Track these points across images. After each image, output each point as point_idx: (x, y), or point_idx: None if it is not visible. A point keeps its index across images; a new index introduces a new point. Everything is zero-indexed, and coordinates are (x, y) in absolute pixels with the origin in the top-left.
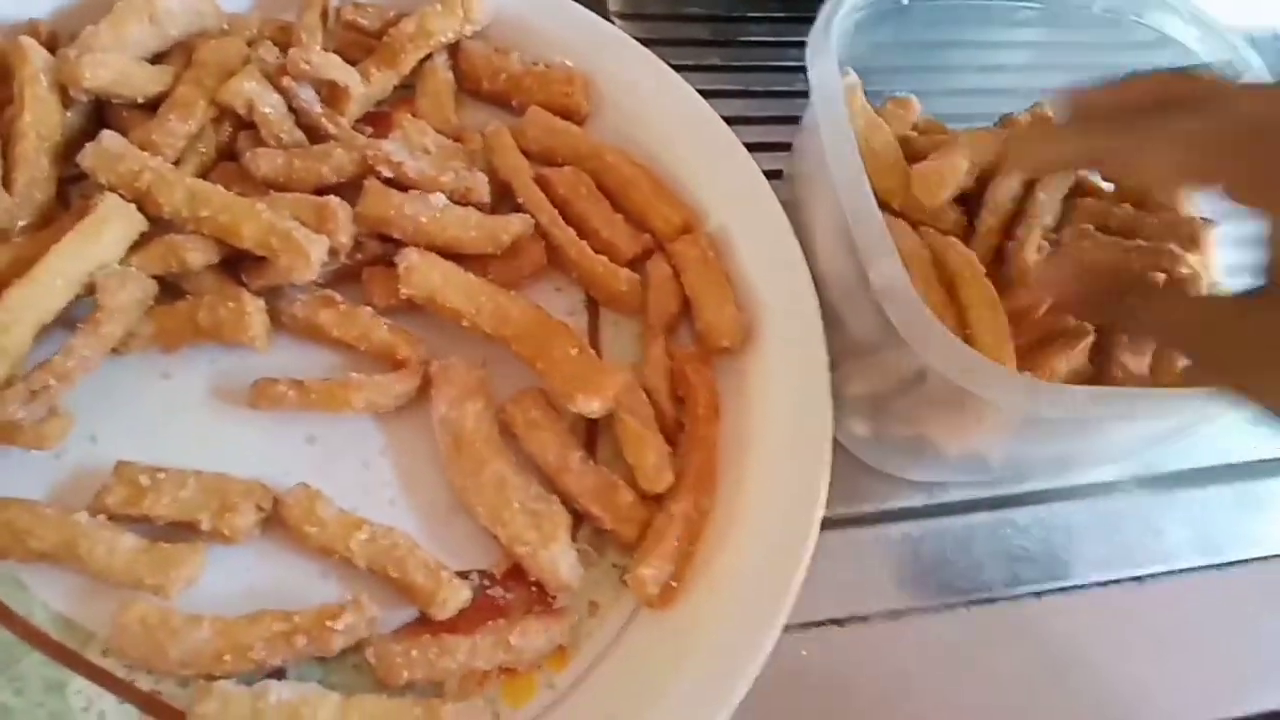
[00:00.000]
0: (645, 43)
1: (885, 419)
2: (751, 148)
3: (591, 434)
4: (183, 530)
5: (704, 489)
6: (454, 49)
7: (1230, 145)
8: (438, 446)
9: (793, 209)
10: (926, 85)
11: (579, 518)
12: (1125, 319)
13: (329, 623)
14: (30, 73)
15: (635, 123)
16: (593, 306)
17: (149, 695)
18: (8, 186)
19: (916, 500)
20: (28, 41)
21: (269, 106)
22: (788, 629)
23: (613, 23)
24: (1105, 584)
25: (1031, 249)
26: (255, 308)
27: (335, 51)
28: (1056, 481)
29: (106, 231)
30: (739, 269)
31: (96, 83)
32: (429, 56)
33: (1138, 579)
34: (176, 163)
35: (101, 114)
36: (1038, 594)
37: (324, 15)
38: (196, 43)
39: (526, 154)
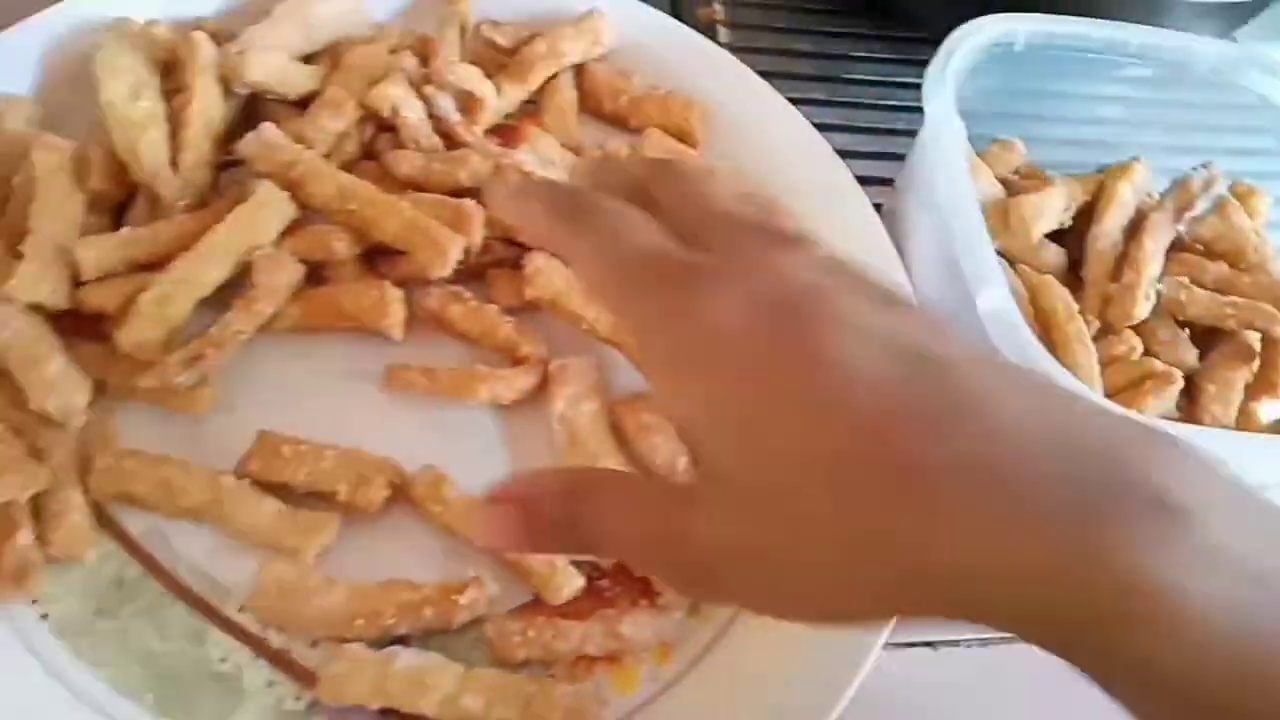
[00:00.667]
0: None
1: None
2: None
3: None
4: (315, 499)
5: None
6: (579, 69)
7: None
8: (553, 441)
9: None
10: (1029, 132)
11: None
12: None
13: (454, 597)
14: (201, 64)
15: (747, 150)
16: None
17: (280, 653)
18: (175, 166)
19: None
20: (200, 36)
21: (410, 112)
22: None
23: None
24: None
25: (1140, 296)
26: (395, 297)
27: (469, 62)
28: None
29: (262, 216)
30: None
31: (257, 78)
32: (555, 75)
33: None
34: (325, 157)
35: (253, 108)
36: None
37: (462, 31)
38: (344, 48)
39: None
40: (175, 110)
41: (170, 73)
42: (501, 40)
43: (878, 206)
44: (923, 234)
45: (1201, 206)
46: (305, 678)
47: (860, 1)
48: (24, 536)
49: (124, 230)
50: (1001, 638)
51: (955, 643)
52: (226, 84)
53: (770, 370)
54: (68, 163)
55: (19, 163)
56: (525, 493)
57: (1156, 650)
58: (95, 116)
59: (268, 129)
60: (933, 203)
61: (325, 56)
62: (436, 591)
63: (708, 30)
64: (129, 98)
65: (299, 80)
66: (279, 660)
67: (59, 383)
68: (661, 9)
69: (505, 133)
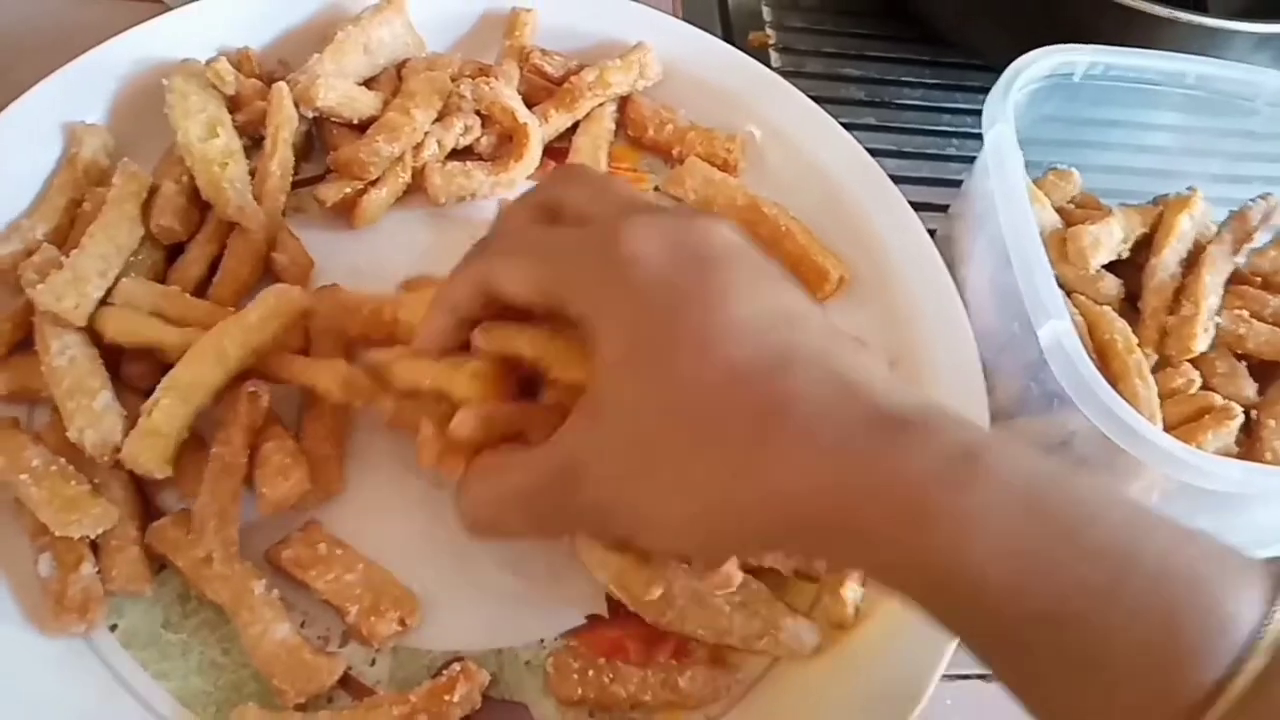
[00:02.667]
0: None
1: None
2: None
3: None
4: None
5: None
6: (625, 99)
7: None
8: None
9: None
10: (1085, 160)
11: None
12: None
13: (445, 697)
14: (283, 118)
15: (799, 173)
16: None
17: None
18: (258, 200)
19: None
20: (282, 88)
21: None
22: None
23: None
24: None
25: (1198, 329)
26: None
27: (520, 91)
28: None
29: (272, 323)
30: (900, 320)
31: (326, 103)
32: (601, 104)
33: None
34: (375, 182)
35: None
36: None
37: (521, 60)
38: (405, 74)
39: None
40: (249, 137)
41: (239, 105)
42: (551, 69)
43: (931, 232)
44: (978, 260)
45: (1261, 238)
46: (361, 692)
47: (911, 28)
48: (87, 569)
49: (173, 287)
50: None
51: None
52: (296, 107)
53: (671, 298)
54: (142, 192)
55: (89, 190)
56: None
57: (948, 555)
58: (162, 149)
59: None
60: (990, 230)
61: (386, 82)
62: (426, 696)
63: (758, 55)
64: (205, 136)
65: (363, 104)
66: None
67: (102, 418)
68: (713, 34)
69: (552, 155)
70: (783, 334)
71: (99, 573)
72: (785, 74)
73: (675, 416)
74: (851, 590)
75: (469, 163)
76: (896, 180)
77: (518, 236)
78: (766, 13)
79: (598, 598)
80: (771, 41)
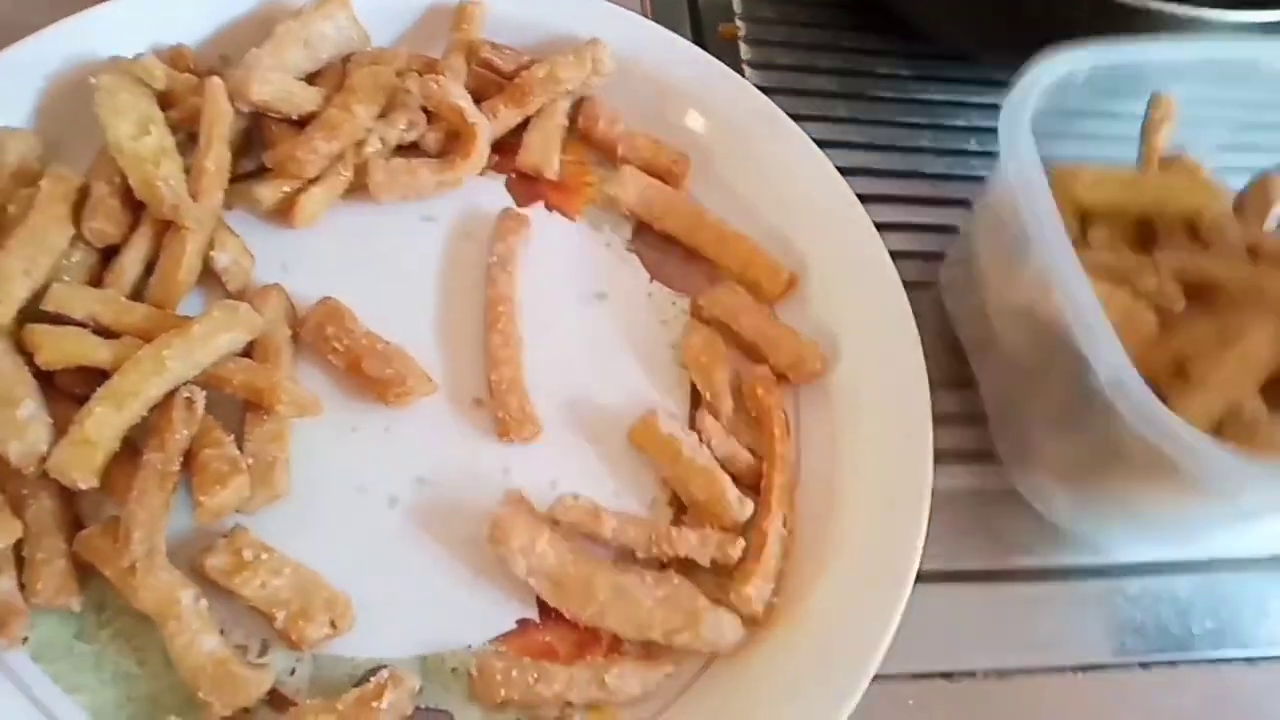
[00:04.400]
0: (773, 91)
1: (1088, 489)
2: (872, 199)
3: None
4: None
5: (790, 506)
6: (581, 98)
7: None
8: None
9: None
10: (1086, 154)
11: (661, 565)
12: None
13: (374, 704)
14: (216, 114)
15: (745, 165)
16: None
17: None
18: (194, 197)
19: (1031, 562)
20: (216, 83)
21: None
22: (896, 678)
23: (744, 72)
24: (1215, 661)
25: None
26: None
27: (468, 85)
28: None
29: (219, 339)
30: (843, 313)
31: (262, 97)
32: (553, 100)
33: (1249, 660)
34: (314, 180)
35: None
36: (1145, 665)
37: (469, 55)
38: (349, 68)
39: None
40: (186, 133)
41: (170, 102)
42: (500, 63)
43: (900, 225)
44: (1009, 289)
45: None
46: (280, 702)
47: (885, 19)
48: (4, 583)
49: (108, 290)
50: (1018, 668)
51: (972, 674)
52: (231, 102)
53: None
54: (71, 193)
55: (15, 194)
56: None
57: None
58: (95, 149)
59: None
60: (1020, 261)
61: (330, 77)
62: (353, 704)
63: (729, 46)
64: (136, 134)
65: (302, 100)
66: None
67: (27, 428)
68: (682, 24)
69: (502, 150)
70: None
71: (21, 586)
72: (756, 66)
73: None
74: (756, 586)
75: (414, 160)
76: (867, 173)
77: None
78: (736, 4)
79: (527, 601)
80: (742, 33)
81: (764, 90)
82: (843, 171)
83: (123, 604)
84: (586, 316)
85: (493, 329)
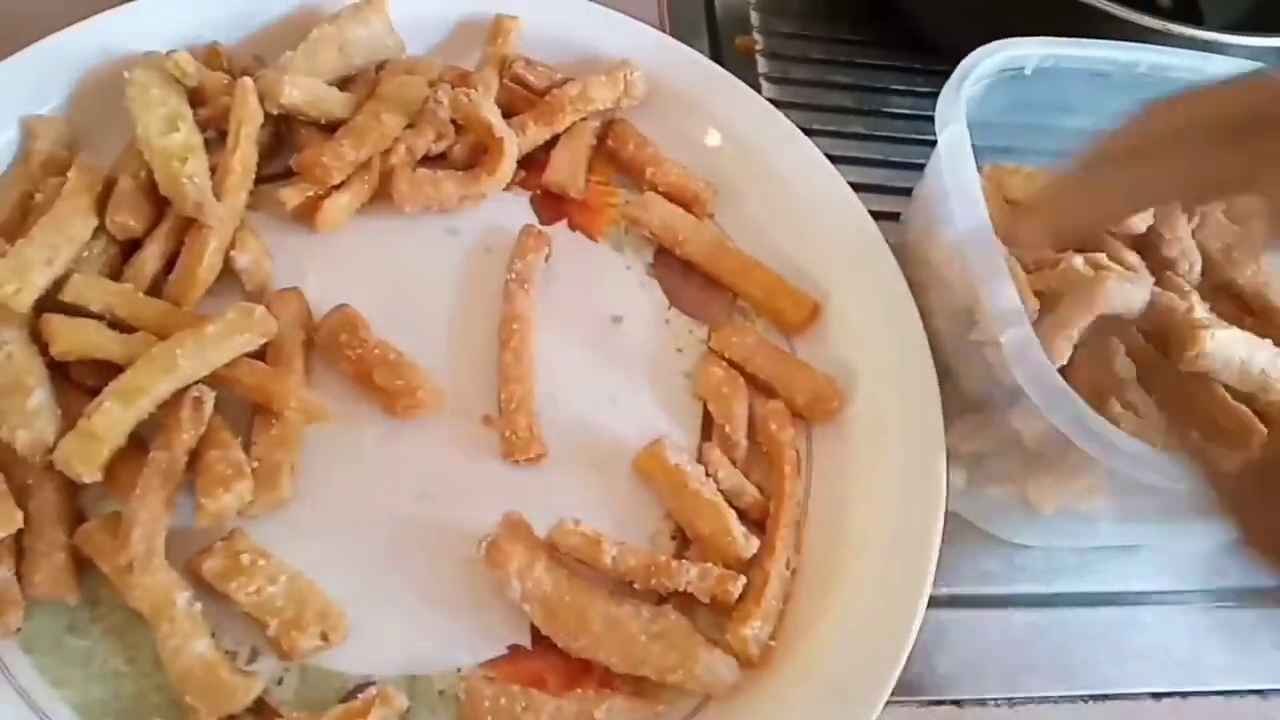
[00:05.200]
0: (789, 105)
1: (984, 476)
2: (885, 216)
3: None
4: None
5: (796, 547)
6: (610, 120)
7: None
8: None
9: (905, 262)
10: (1039, 148)
11: (660, 599)
12: None
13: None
14: (247, 113)
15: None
16: None
17: None
18: (217, 196)
19: (1041, 588)
20: (247, 84)
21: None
22: (905, 704)
23: (760, 85)
24: (1226, 693)
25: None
26: None
27: (499, 100)
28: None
29: (232, 341)
30: (855, 328)
31: (291, 101)
32: (584, 119)
33: (1259, 692)
34: (339, 186)
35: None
36: (1156, 695)
37: (501, 69)
38: (382, 76)
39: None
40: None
41: (201, 100)
42: (533, 79)
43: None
44: (935, 265)
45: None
46: (266, 711)
47: (901, 35)
48: (2, 572)
49: (126, 285)
50: (1028, 697)
51: (983, 702)
52: (261, 103)
53: None
54: (96, 185)
55: (43, 182)
56: None
57: None
58: (123, 142)
59: None
60: (946, 233)
61: (362, 84)
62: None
63: (745, 60)
64: (165, 130)
65: (332, 105)
66: None
67: (35, 417)
68: (700, 38)
69: (530, 165)
70: None
71: (18, 576)
72: (772, 80)
73: None
74: (754, 628)
75: (440, 171)
76: (880, 190)
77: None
78: (754, 17)
79: (521, 627)
80: (759, 47)
81: (779, 105)
82: (856, 189)
83: (116, 601)
84: (602, 339)
85: (506, 347)
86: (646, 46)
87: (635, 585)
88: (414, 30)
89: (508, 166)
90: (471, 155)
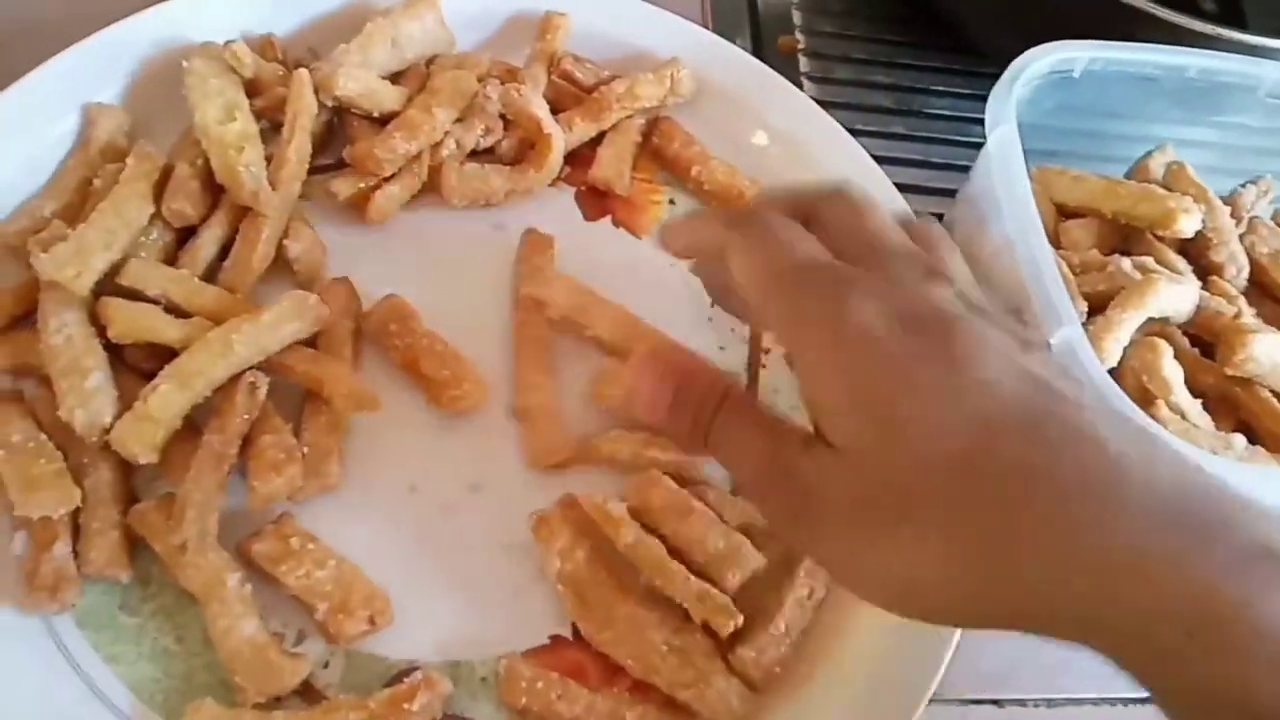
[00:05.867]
0: (830, 105)
1: None
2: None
3: None
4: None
5: (816, 574)
6: (655, 118)
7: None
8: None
9: None
10: (1086, 152)
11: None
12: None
13: (405, 705)
14: (303, 105)
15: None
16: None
17: None
18: (272, 185)
19: None
20: (304, 75)
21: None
22: (947, 703)
23: (802, 84)
24: None
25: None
26: None
27: (547, 96)
28: None
29: (285, 328)
30: None
31: (346, 93)
32: (630, 115)
33: None
34: (390, 178)
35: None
36: None
37: (550, 65)
38: (432, 70)
39: None
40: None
41: (257, 90)
42: (581, 76)
43: None
44: (981, 264)
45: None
46: (311, 694)
47: (943, 36)
48: (60, 549)
49: (183, 270)
50: (1068, 698)
51: (1022, 702)
52: (316, 95)
53: (913, 367)
54: (154, 172)
55: (102, 168)
56: (679, 377)
57: (1253, 684)
58: (179, 130)
59: None
60: (993, 234)
61: (413, 77)
62: (385, 703)
63: (787, 60)
64: (222, 119)
65: (385, 98)
66: None
67: (93, 398)
68: (743, 37)
69: (575, 161)
70: (1036, 397)
71: (75, 553)
72: (813, 80)
73: (913, 477)
74: (759, 650)
75: (487, 165)
76: (920, 191)
77: (770, 228)
78: (796, 17)
79: (562, 618)
80: (801, 46)
81: (820, 104)
82: (897, 189)
83: (168, 581)
84: None
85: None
86: (695, 45)
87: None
88: (464, 25)
89: (555, 162)
90: (519, 150)
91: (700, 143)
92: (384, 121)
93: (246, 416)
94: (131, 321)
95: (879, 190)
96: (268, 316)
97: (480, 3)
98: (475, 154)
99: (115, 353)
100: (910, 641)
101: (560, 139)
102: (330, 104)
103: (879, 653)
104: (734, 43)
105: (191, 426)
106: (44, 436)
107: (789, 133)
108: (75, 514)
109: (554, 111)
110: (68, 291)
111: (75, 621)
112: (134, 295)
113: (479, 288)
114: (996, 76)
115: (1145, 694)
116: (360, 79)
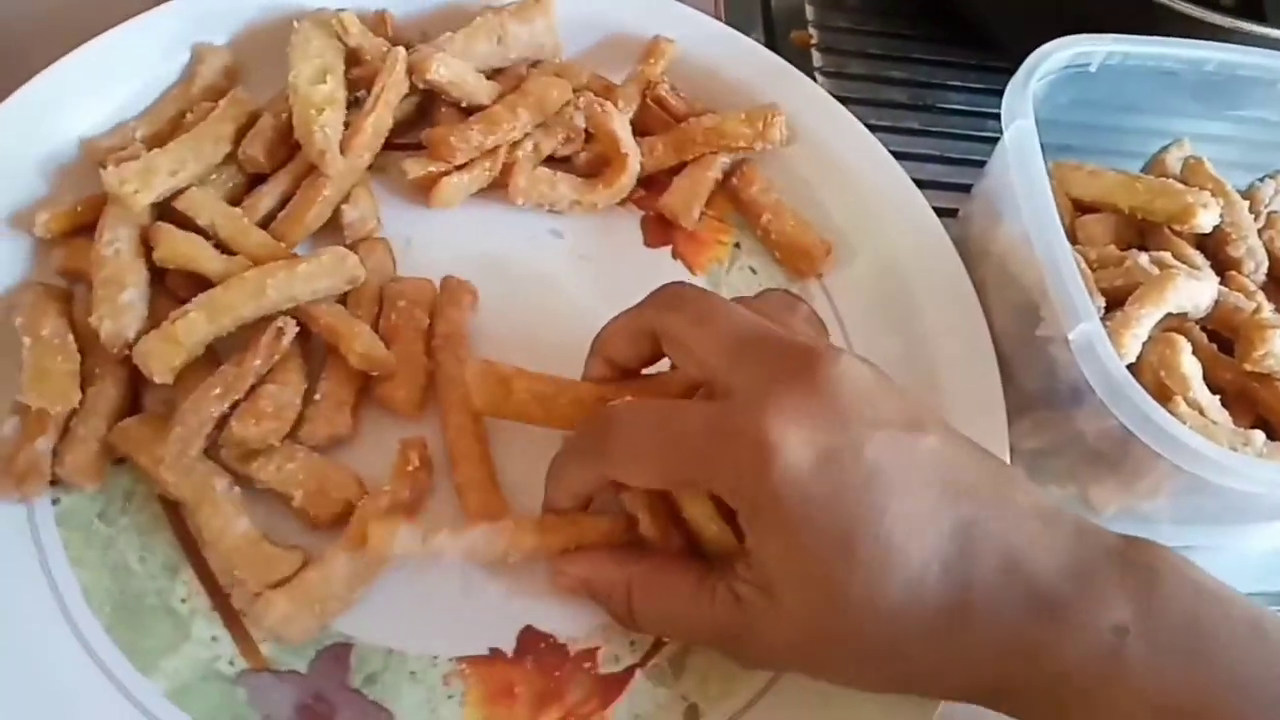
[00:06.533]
0: (844, 100)
1: (1044, 475)
2: (941, 213)
3: None
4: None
5: None
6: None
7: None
8: None
9: (965, 256)
10: (1102, 145)
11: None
12: None
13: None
14: (392, 80)
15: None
16: None
17: (235, 613)
18: (343, 150)
19: None
20: (399, 53)
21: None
22: None
23: (815, 79)
24: None
25: None
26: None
27: (636, 117)
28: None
29: (322, 281)
30: (919, 328)
31: (437, 77)
32: (716, 153)
33: None
34: (461, 167)
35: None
36: None
37: (646, 88)
38: (530, 74)
39: None
40: (355, 97)
41: (357, 61)
42: (674, 103)
43: None
44: (997, 257)
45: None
46: (247, 647)
47: (957, 30)
48: (42, 444)
49: (235, 209)
50: None
51: None
52: (409, 75)
53: (832, 513)
54: (241, 117)
55: (198, 105)
56: (586, 577)
57: None
58: (277, 87)
59: None
60: (1009, 228)
61: (510, 77)
62: None
63: (801, 54)
64: (313, 79)
65: (475, 90)
66: (232, 619)
67: (123, 312)
68: (755, 31)
69: (650, 184)
70: (955, 514)
71: (55, 453)
72: (827, 74)
73: (850, 629)
74: None
75: (559, 173)
76: (939, 186)
77: (636, 427)
78: (810, 11)
79: (507, 633)
80: (814, 41)
81: (835, 99)
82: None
83: (147, 502)
84: None
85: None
86: (706, 37)
87: None
88: (570, 34)
89: (626, 182)
90: (594, 164)
91: (779, 192)
92: (471, 113)
93: (266, 358)
94: (175, 247)
95: (895, 187)
96: (305, 266)
97: (592, 14)
98: (552, 160)
99: (159, 277)
100: None
101: (635, 161)
102: (422, 86)
103: None
104: (747, 36)
105: (212, 358)
106: (70, 337)
107: (807, 130)
108: (71, 416)
109: (640, 133)
110: (127, 208)
111: (55, 519)
112: (188, 225)
113: (523, 288)
114: (1012, 71)
115: None
116: (453, 67)
